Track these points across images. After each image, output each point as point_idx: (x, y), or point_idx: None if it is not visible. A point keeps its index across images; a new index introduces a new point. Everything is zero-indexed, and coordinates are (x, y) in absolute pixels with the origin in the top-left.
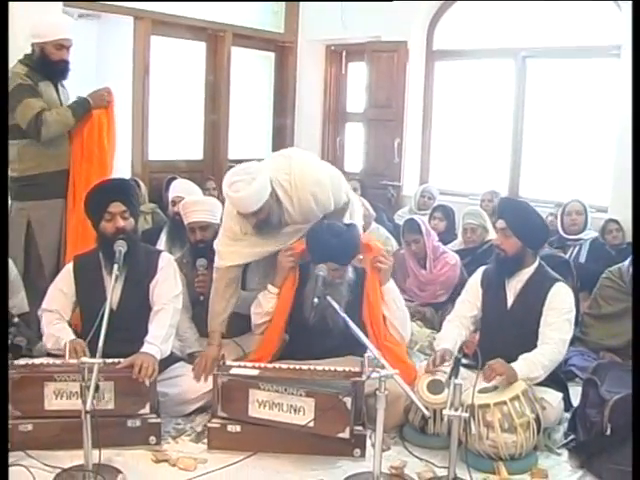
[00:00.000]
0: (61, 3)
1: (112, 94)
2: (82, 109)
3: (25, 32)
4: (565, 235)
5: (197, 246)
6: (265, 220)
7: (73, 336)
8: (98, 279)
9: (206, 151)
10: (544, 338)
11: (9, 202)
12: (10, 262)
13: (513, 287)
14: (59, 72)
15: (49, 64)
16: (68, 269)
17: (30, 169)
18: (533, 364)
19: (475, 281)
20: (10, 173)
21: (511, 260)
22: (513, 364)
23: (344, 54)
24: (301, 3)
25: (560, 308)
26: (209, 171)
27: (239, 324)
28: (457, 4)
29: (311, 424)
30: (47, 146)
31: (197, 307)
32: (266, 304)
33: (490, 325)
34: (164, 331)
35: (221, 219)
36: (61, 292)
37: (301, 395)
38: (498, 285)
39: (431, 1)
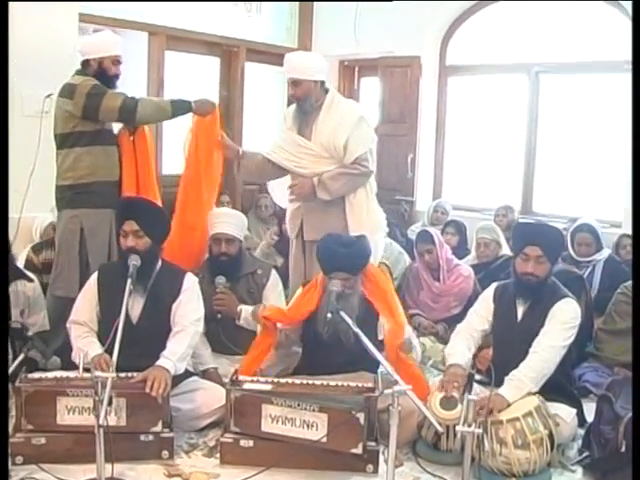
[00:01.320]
0: (77, 17)
1: (216, 109)
2: (183, 108)
3: (24, 31)
4: (576, 257)
5: (219, 259)
6: (303, 99)
7: (101, 350)
8: (120, 291)
9: None
10: (534, 347)
11: (25, 214)
12: (35, 279)
13: (523, 303)
14: (113, 86)
15: (106, 78)
16: (93, 278)
17: (84, 177)
18: (520, 381)
19: (487, 296)
20: (63, 181)
21: (541, 284)
22: (500, 390)
23: (357, 69)
24: (314, 19)
25: (560, 318)
26: (222, 185)
27: (251, 340)
28: (470, 19)
29: (324, 439)
30: (101, 156)
31: (212, 323)
32: None
33: (502, 340)
34: (182, 349)
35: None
36: (88, 302)
37: (314, 410)
38: (510, 302)
39: (444, 16)
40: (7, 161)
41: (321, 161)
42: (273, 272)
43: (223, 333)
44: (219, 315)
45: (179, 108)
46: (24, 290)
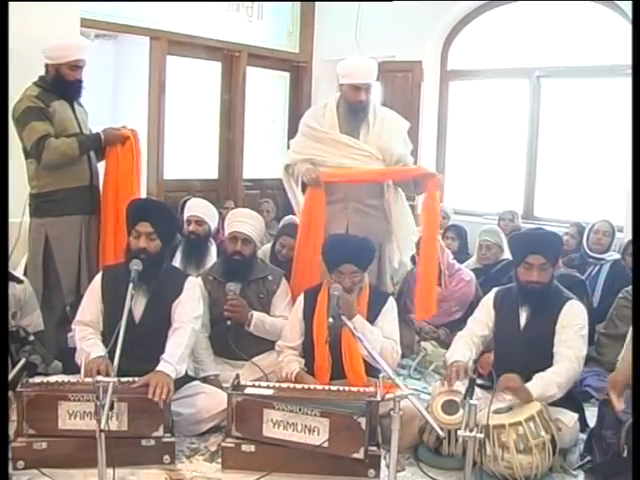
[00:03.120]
0: (78, 23)
1: (128, 134)
2: (91, 143)
3: (25, 36)
4: (588, 252)
5: (232, 257)
6: (362, 103)
7: (103, 353)
8: (123, 293)
9: (221, 170)
10: (559, 356)
11: (28, 219)
12: (26, 281)
13: (526, 310)
14: (74, 91)
15: (64, 84)
16: (97, 279)
17: (47, 185)
18: (548, 383)
19: (488, 302)
20: (31, 191)
21: (545, 290)
22: (528, 384)
23: None
24: (316, 23)
25: (573, 325)
26: (224, 190)
27: (257, 345)
28: (471, 24)
29: (325, 444)
30: (65, 163)
31: (219, 327)
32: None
33: (504, 346)
34: (180, 351)
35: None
36: (93, 303)
37: (316, 415)
38: (512, 306)
39: (446, 20)
40: (7, 165)
41: (375, 162)
42: (283, 280)
43: (230, 337)
44: (229, 321)
45: (87, 145)
46: (14, 292)
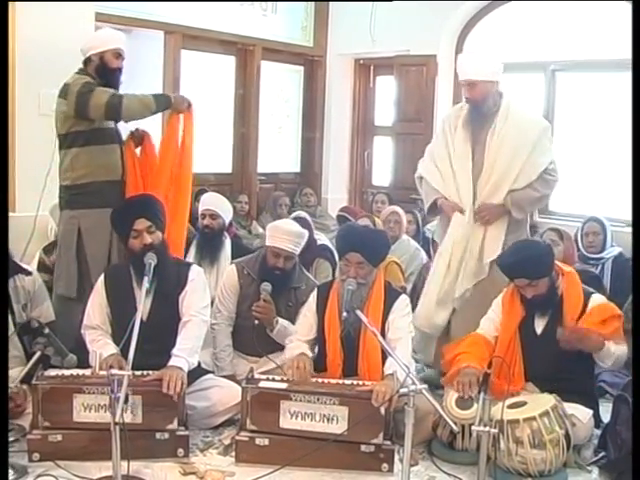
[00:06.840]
0: (93, 17)
1: (192, 107)
2: (164, 102)
3: (40, 31)
4: (586, 254)
5: (272, 272)
6: (480, 102)
7: (115, 351)
8: (128, 291)
9: (235, 164)
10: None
11: (42, 213)
12: (35, 272)
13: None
14: (116, 79)
15: (108, 71)
16: (100, 282)
17: (81, 177)
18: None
19: (499, 302)
20: (62, 182)
21: (548, 297)
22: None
23: (372, 68)
24: (330, 17)
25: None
26: (238, 185)
27: (275, 344)
28: (486, 18)
29: (345, 432)
30: (99, 156)
31: (241, 319)
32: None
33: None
34: (191, 343)
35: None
36: (98, 306)
37: (334, 404)
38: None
39: (460, 14)
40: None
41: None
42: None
43: (255, 335)
44: (256, 322)
45: (161, 103)
46: (23, 285)
